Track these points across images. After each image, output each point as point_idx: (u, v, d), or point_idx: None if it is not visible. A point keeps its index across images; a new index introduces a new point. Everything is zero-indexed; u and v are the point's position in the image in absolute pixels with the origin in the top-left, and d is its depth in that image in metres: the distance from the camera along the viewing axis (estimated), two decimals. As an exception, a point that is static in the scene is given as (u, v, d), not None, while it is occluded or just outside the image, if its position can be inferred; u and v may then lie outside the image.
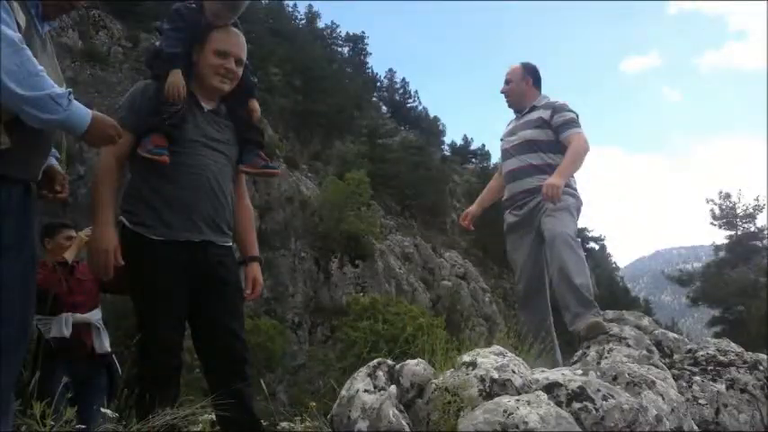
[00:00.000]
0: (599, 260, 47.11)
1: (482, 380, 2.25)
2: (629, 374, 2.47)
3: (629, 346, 2.99)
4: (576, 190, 3.63)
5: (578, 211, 3.61)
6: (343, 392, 2.36)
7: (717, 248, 27.62)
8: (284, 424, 3.01)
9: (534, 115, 3.73)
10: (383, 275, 27.00)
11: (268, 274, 22.30)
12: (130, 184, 2.45)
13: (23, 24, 1.73)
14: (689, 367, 2.99)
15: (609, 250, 56.94)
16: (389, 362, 2.49)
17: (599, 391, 2.20)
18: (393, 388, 2.29)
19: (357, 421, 2.20)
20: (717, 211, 26.49)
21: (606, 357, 2.84)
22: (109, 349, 3.94)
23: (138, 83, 2.56)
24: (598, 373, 2.52)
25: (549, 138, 3.65)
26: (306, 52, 42.21)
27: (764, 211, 26.05)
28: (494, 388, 2.23)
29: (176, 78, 2.40)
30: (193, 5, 2.51)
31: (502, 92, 3.91)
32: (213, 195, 2.43)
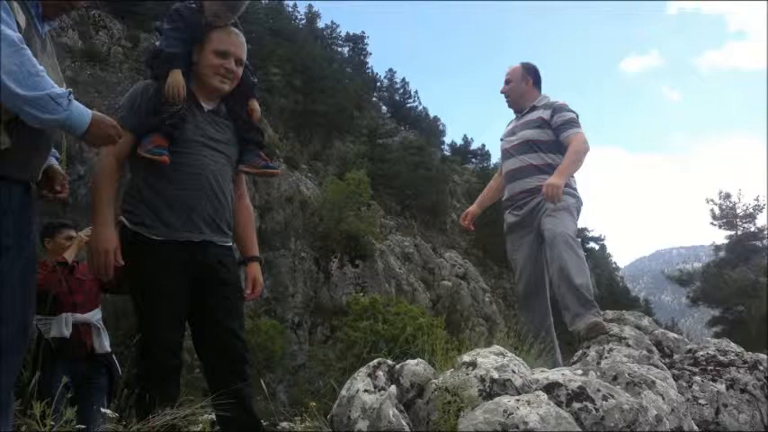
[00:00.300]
0: (599, 260, 47.12)
1: (482, 380, 2.25)
2: (629, 374, 2.47)
3: (629, 346, 2.99)
4: (576, 190, 3.63)
5: (578, 211, 3.61)
6: (343, 392, 2.36)
7: (717, 248, 27.60)
8: (284, 424, 3.01)
9: (534, 115, 3.73)
10: (383, 275, 26.99)
11: (268, 274, 22.31)
12: (130, 184, 2.45)
13: (23, 24, 1.73)
14: (689, 367, 2.99)
15: (609, 250, 57.02)
16: (389, 362, 2.49)
17: (599, 391, 2.20)
18: (393, 388, 2.29)
19: (357, 421, 2.20)
20: (717, 211, 26.48)
21: (606, 357, 2.84)
22: (109, 349, 3.94)
23: (138, 83, 2.56)
24: (598, 373, 2.52)
25: (550, 138, 3.66)
26: (306, 52, 42.19)
27: (764, 211, 26.03)
28: (494, 388, 2.23)
29: (176, 78, 2.40)
30: (193, 5, 2.51)
31: (502, 92, 3.92)
32: (213, 195, 2.43)
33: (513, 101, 3.89)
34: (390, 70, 61.91)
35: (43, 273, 3.62)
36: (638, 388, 2.39)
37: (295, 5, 68.74)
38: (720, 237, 27.36)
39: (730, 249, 26.42)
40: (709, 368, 2.96)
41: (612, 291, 39.91)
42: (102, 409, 2.68)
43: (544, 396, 2.14)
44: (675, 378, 2.81)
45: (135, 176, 2.44)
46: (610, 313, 3.49)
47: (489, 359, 2.36)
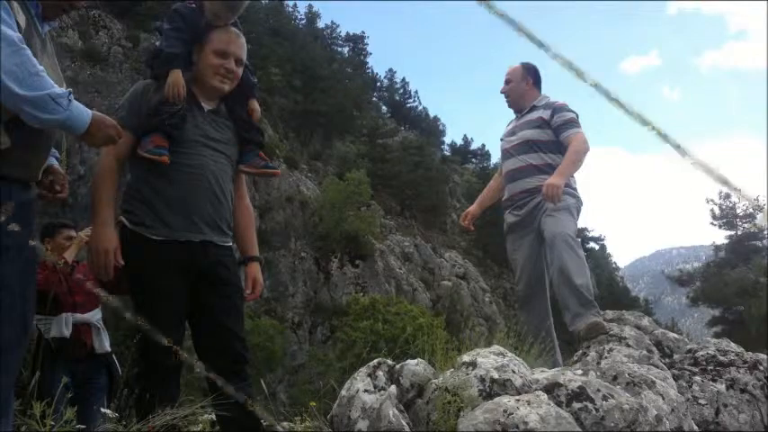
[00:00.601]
0: (599, 260, 47.14)
1: (482, 380, 2.25)
2: (629, 374, 2.47)
3: (629, 346, 2.99)
4: (575, 190, 3.63)
5: (578, 211, 3.61)
6: (343, 392, 2.36)
7: (717, 248, 27.65)
8: (284, 424, 3.01)
9: (534, 115, 3.73)
10: (383, 275, 27.00)
11: (268, 274, 22.32)
12: (130, 185, 2.45)
13: (23, 24, 1.73)
14: (689, 367, 2.99)
15: (609, 250, 57.05)
16: (389, 362, 2.49)
17: (599, 391, 2.20)
18: (393, 388, 2.30)
19: (357, 421, 2.20)
20: (717, 211, 26.53)
21: (606, 357, 2.84)
22: (109, 349, 3.95)
23: (138, 83, 2.56)
24: (598, 373, 2.52)
25: (550, 138, 3.65)
26: (306, 52, 42.20)
27: (764, 211, 26.06)
28: (494, 388, 2.23)
29: (176, 78, 2.40)
30: (193, 5, 2.51)
31: (502, 92, 3.92)
32: (213, 195, 2.43)
33: (513, 101, 3.89)
34: (390, 70, 61.99)
35: (43, 273, 3.62)
36: (638, 388, 2.39)
37: (295, 5, 68.79)
38: (720, 237, 27.43)
39: (730, 249, 26.45)
40: (709, 368, 2.96)
41: (612, 291, 39.93)
42: (102, 409, 2.68)
43: (544, 396, 2.14)
44: (675, 378, 2.81)
45: (135, 176, 2.44)
46: (610, 313, 3.49)
47: (489, 359, 2.36)
